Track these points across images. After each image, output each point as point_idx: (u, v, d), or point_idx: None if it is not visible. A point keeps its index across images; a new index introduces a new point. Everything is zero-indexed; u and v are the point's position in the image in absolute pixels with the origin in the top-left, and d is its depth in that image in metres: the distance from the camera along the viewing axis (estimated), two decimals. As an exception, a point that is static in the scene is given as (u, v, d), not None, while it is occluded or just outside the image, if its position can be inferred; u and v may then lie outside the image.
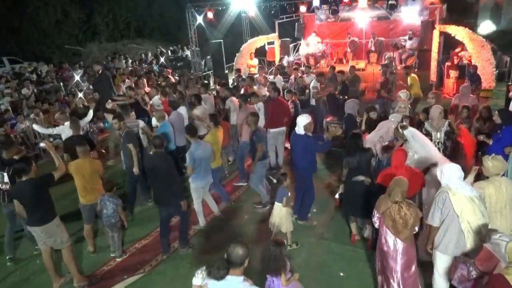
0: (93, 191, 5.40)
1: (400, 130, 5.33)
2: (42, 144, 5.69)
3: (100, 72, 8.88)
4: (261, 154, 6.12)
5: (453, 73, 12.47)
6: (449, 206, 3.80)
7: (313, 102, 9.78)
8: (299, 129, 5.60)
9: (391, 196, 3.88)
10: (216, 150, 6.24)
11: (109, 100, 8.29)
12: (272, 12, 15.08)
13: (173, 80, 12.24)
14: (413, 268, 4.01)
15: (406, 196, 3.94)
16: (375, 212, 4.06)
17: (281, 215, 5.23)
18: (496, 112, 5.84)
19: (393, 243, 3.92)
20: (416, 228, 3.89)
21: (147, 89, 11.15)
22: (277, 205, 5.27)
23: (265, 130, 6.87)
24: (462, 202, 3.77)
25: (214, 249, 5.57)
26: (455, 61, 12.90)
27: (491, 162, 4.09)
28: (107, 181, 5.46)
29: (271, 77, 11.08)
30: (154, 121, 7.68)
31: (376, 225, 4.12)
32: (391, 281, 4.03)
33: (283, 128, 7.79)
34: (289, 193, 5.30)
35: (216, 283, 2.85)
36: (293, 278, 3.83)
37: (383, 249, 4.03)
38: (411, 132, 5.21)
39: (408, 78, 9.50)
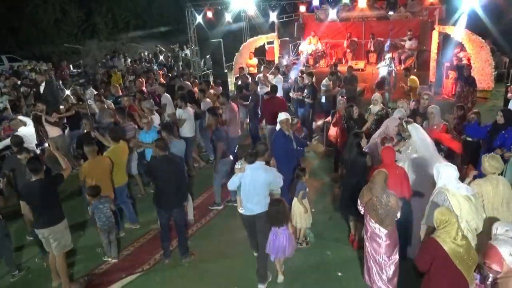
0: (107, 188, 5.40)
1: (405, 125, 5.38)
2: (46, 144, 5.47)
3: (44, 83, 8.60)
4: (221, 153, 6.26)
5: (452, 74, 12.48)
6: (449, 207, 3.82)
7: (323, 99, 9.83)
8: (277, 125, 5.74)
9: (372, 190, 4.07)
10: (117, 169, 5.71)
11: (54, 113, 7.92)
12: (272, 11, 15.08)
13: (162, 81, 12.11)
14: (395, 252, 4.14)
15: (386, 187, 4.09)
16: (359, 202, 4.25)
17: (299, 210, 5.25)
18: (500, 112, 5.84)
19: (377, 229, 4.10)
20: (398, 215, 4.06)
21: (145, 89, 11.13)
22: (296, 200, 5.30)
23: (225, 129, 6.78)
24: (461, 202, 3.82)
25: (212, 247, 5.61)
26: (455, 62, 12.86)
27: (487, 162, 4.15)
28: (92, 187, 5.22)
29: (271, 77, 11.08)
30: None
31: (362, 212, 4.29)
32: (376, 264, 4.20)
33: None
34: (307, 189, 5.34)
35: (249, 166, 4.67)
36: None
37: (368, 235, 4.21)
38: (415, 127, 5.25)
39: (408, 80, 9.44)
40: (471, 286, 3.32)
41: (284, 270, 4.90)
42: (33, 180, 4.51)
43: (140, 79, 11.32)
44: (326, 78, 9.98)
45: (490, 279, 3.32)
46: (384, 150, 4.89)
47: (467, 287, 3.28)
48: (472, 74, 9.95)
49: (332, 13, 14.96)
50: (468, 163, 6.25)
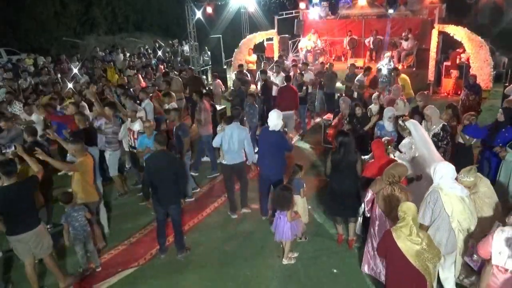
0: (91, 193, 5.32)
1: (402, 123, 5.37)
2: (12, 148, 4.91)
3: None
4: (188, 147, 6.53)
5: (454, 73, 12.48)
6: (440, 206, 3.86)
7: (355, 95, 9.67)
8: (272, 125, 5.56)
9: (383, 177, 4.15)
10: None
11: None
12: (272, 8, 15.05)
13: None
14: None
15: (400, 180, 4.16)
16: (369, 192, 4.29)
17: (298, 207, 5.27)
18: (500, 110, 5.83)
19: (384, 220, 4.18)
20: None
21: (143, 83, 11.10)
22: (295, 197, 5.23)
23: (187, 125, 6.93)
24: (453, 202, 3.82)
25: (208, 243, 5.63)
26: (457, 62, 12.80)
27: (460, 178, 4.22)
28: (64, 194, 4.94)
29: (273, 76, 11.04)
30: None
31: (367, 209, 4.37)
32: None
33: (291, 112, 8.55)
34: (304, 184, 5.42)
35: (227, 126, 5.87)
36: (297, 217, 4.95)
37: (376, 225, 4.27)
38: (413, 124, 5.25)
39: (398, 80, 9.19)
40: (434, 283, 3.50)
41: (292, 256, 5.10)
42: (7, 185, 4.21)
43: (137, 75, 11.25)
44: (361, 74, 9.89)
45: (474, 258, 3.61)
46: (373, 144, 4.96)
47: (423, 283, 3.38)
48: (477, 81, 9.32)
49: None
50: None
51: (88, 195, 5.20)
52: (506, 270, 3.31)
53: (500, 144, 5.44)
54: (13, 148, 4.76)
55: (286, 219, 4.80)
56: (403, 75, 9.51)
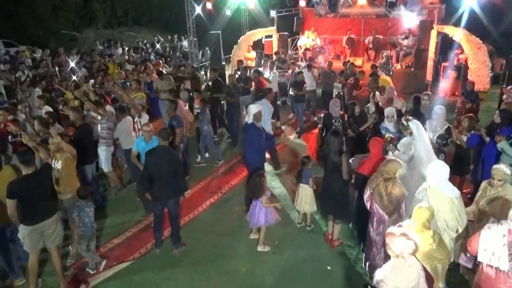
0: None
1: (405, 123, 5.41)
2: (19, 137, 4.86)
3: None
4: (181, 137, 6.59)
5: (452, 74, 12.51)
6: (426, 204, 3.86)
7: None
8: (249, 118, 5.82)
9: (378, 174, 4.21)
10: None
11: None
12: (273, 3, 15.03)
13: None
14: None
15: (394, 176, 4.20)
16: (367, 188, 4.34)
17: (307, 196, 5.43)
18: (497, 112, 5.85)
19: (381, 215, 4.22)
20: (403, 206, 4.16)
21: (155, 75, 11.12)
22: (303, 187, 5.46)
23: (181, 116, 6.87)
24: (440, 202, 3.84)
25: (204, 238, 5.64)
26: (455, 63, 12.83)
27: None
28: (83, 188, 4.97)
29: (267, 72, 11.05)
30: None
31: (368, 205, 4.38)
32: (378, 247, 4.31)
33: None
34: (313, 175, 5.53)
35: (258, 102, 6.84)
36: (272, 204, 5.17)
37: (375, 221, 4.30)
38: (416, 124, 5.28)
39: (380, 81, 8.89)
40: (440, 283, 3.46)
41: (263, 243, 5.28)
42: (29, 173, 4.24)
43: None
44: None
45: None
46: (371, 142, 4.99)
47: (430, 282, 3.34)
48: (475, 89, 8.93)
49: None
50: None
51: (75, 189, 5.18)
52: (493, 266, 3.25)
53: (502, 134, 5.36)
54: (19, 137, 4.83)
55: (261, 205, 5.01)
56: (383, 77, 9.56)
